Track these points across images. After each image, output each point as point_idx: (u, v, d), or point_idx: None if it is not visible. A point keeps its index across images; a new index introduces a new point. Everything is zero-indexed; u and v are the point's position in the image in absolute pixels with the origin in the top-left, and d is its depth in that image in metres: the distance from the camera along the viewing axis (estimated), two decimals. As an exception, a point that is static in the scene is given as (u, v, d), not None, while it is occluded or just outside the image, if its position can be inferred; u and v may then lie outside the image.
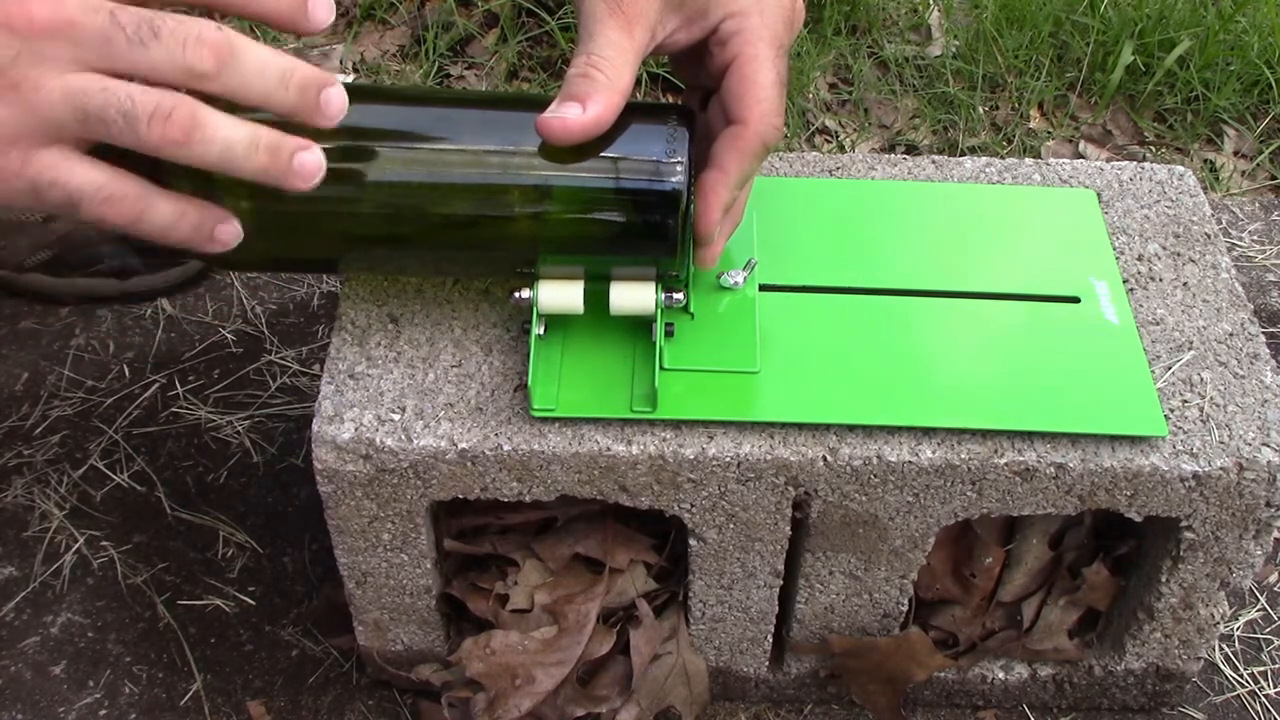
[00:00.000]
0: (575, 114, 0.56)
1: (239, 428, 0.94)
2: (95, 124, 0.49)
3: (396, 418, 0.63)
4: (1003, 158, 0.86)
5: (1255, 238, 1.14)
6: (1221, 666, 0.83)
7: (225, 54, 0.48)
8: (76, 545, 0.87)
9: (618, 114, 0.57)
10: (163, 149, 0.49)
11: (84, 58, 0.48)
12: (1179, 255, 0.73)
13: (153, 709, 0.79)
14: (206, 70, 0.48)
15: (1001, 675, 0.78)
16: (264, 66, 0.49)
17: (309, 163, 0.52)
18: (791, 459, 0.63)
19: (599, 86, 0.56)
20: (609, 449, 0.63)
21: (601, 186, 0.59)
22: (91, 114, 0.48)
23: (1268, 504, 0.65)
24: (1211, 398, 0.65)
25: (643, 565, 0.73)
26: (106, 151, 0.51)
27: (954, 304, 0.69)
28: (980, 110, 1.32)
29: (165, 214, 0.53)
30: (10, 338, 0.99)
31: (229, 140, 0.49)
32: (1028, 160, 0.78)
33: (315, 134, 0.58)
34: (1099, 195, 0.76)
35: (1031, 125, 1.33)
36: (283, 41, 1.35)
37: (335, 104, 0.51)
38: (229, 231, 0.55)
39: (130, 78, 0.49)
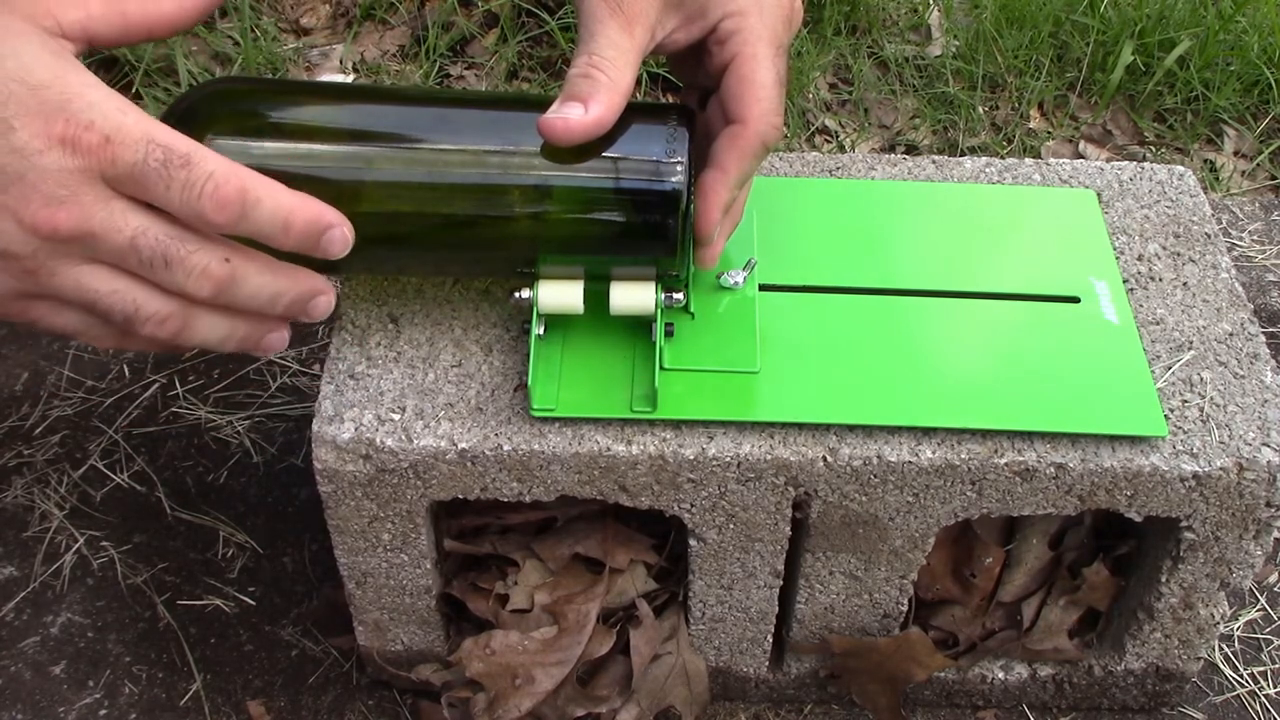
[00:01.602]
0: (577, 114, 0.56)
1: (239, 428, 0.94)
2: (99, 312, 0.53)
3: (396, 418, 0.63)
4: (1003, 158, 0.86)
5: (1255, 238, 1.14)
6: (1221, 666, 0.83)
7: (225, 284, 0.52)
8: (76, 545, 0.87)
9: (619, 114, 0.57)
10: (151, 343, 0.55)
11: (100, 258, 0.51)
12: (1179, 255, 0.73)
13: (153, 709, 0.79)
14: (204, 296, 0.53)
15: (1001, 675, 0.78)
16: (257, 293, 0.54)
17: (275, 343, 0.58)
18: (791, 459, 0.63)
19: (601, 86, 0.57)
20: (609, 449, 0.63)
21: (601, 186, 0.59)
22: (98, 307, 0.52)
23: (1268, 504, 0.65)
24: (1211, 398, 0.65)
25: (643, 565, 0.73)
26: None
27: (954, 304, 0.69)
28: (980, 110, 1.32)
29: (206, 332, 0.56)
30: (10, 338, 0.99)
31: (208, 338, 0.55)
32: (1028, 160, 0.78)
33: (315, 133, 0.58)
34: (1099, 195, 0.76)
35: (1031, 125, 1.33)
36: (286, 66, 1.35)
37: (319, 313, 0.56)
38: (278, 340, 0.58)
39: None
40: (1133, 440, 0.64)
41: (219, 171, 0.50)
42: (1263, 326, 0.95)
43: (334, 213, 0.53)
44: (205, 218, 0.50)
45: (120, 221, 0.50)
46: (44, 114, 0.48)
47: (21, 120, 0.47)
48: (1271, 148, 1.30)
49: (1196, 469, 0.63)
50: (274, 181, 0.52)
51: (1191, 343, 0.68)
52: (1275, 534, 0.67)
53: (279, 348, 0.58)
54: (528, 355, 0.63)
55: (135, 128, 0.49)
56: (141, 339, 0.55)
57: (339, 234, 0.53)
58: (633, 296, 0.62)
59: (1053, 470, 0.63)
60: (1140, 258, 0.73)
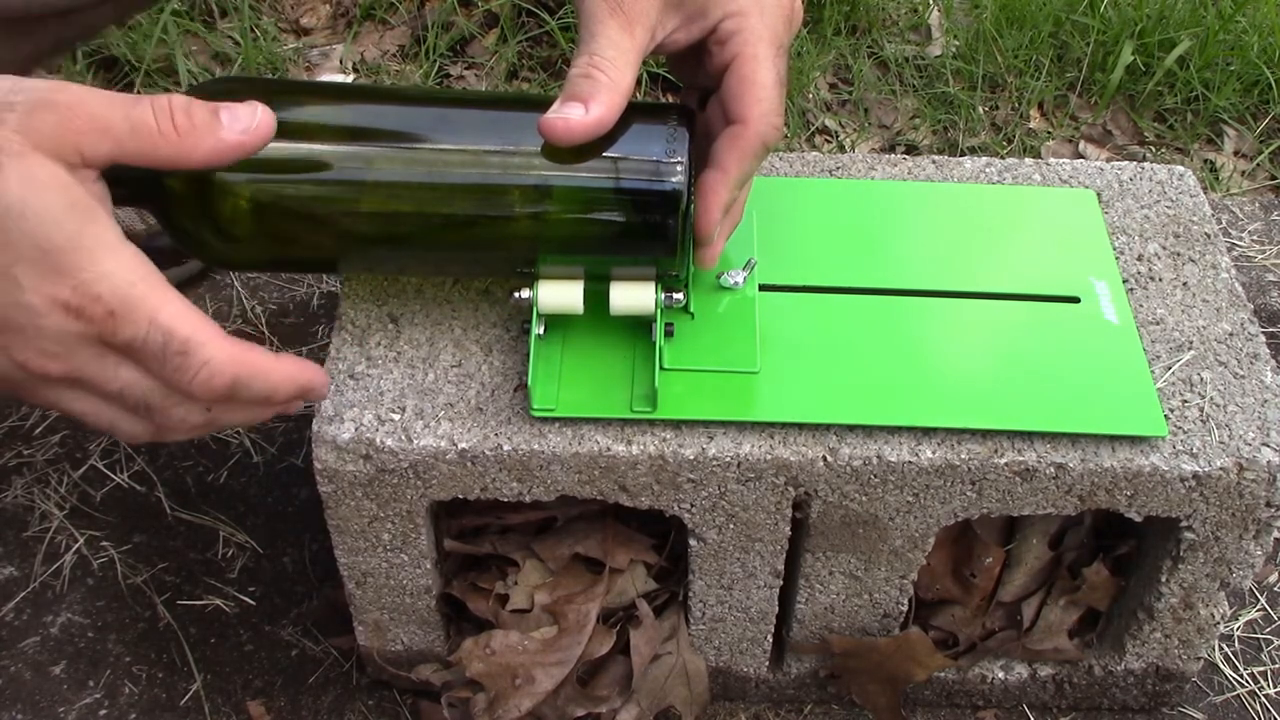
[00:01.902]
0: (578, 114, 0.56)
1: (239, 428, 0.94)
2: (79, 422, 0.54)
3: (396, 418, 0.63)
4: (1003, 158, 0.86)
5: (1255, 238, 1.14)
6: (1221, 666, 0.83)
7: (204, 428, 0.54)
8: (76, 545, 0.87)
9: (620, 114, 0.57)
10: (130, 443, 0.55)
11: (85, 390, 0.52)
12: (1179, 255, 0.73)
13: (153, 709, 0.79)
14: (181, 435, 0.55)
15: (1001, 675, 0.78)
16: (231, 423, 0.56)
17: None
18: (791, 459, 0.63)
19: (601, 87, 0.57)
20: (609, 449, 0.63)
21: (601, 186, 0.59)
22: (78, 418, 0.53)
23: (1268, 504, 0.65)
24: (1211, 398, 0.65)
25: (643, 565, 0.73)
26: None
27: (954, 304, 0.69)
28: (980, 110, 1.32)
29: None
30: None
31: (182, 437, 0.56)
32: (1028, 160, 0.78)
33: (315, 132, 0.58)
34: (1099, 195, 0.76)
35: (1031, 125, 1.33)
36: (286, 66, 1.35)
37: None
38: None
39: None
40: (1133, 440, 0.64)
41: (214, 361, 0.50)
42: (1263, 326, 0.95)
43: (319, 374, 0.55)
44: (193, 398, 0.52)
45: (110, 375, 0.51)
46: (54, 278, 0.48)
47: (30, 281, 0.48)
48: (1271, 148, 1.30)
49: (1196, 469, 0.63)
50: (265, 355, 0.52)
51: (1191, 343, 0.68)
52: (1275, 534, 0.67)
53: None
54: (528, 355, 0.63)
55: (142, 305, 0.49)
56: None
57: (320, 392, 0.56)
58: (633, 296, 0.62)
59: (1053, 470, 0.63)
60: (1140, 258, 0.73)
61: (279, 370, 0.53)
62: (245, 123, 0.52)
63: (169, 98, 0.51)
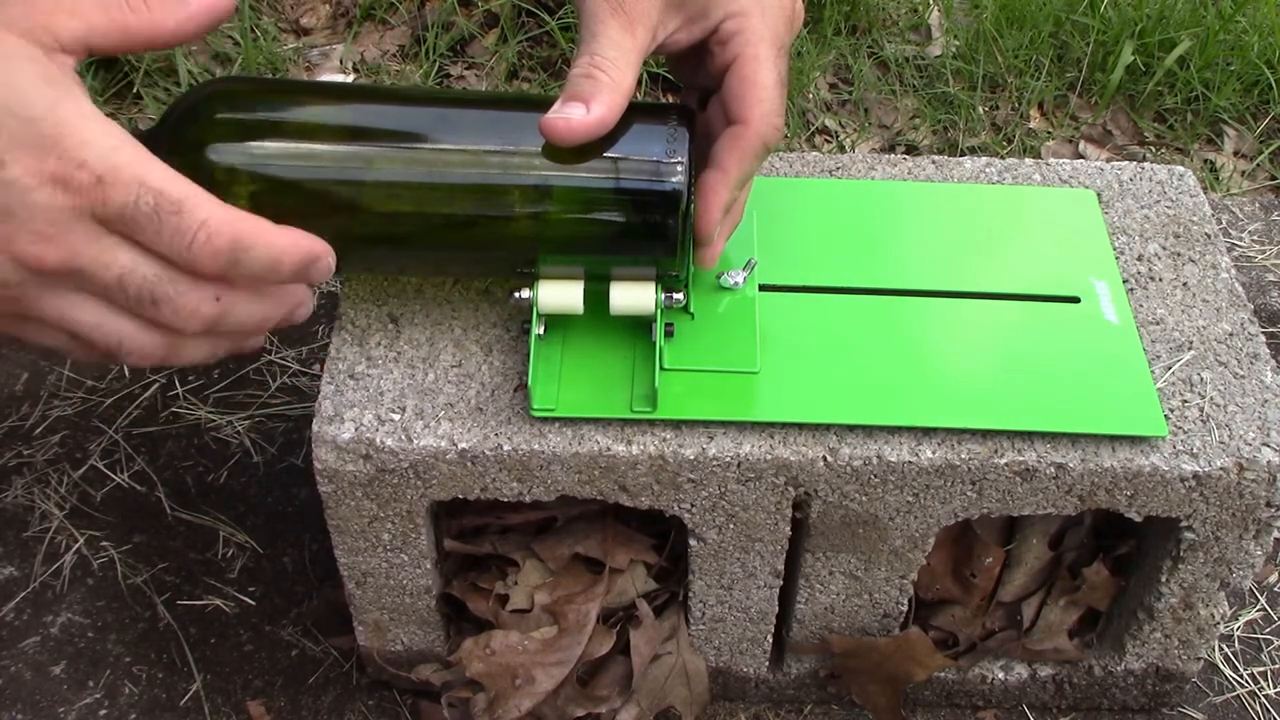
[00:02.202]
0: (580, 114, 0.56)
1: (239, 428, 0.94)
2: (83, 342, 0.53)
3: (396, 418, 0.63)
4: (1003, 158, 0.86)
5: (1255, 238, 1.14)
6: (1221, 666, 0.83)
7: (215, 321, 0.52)
8: (76, 545, 0.87)
9: (621, 114, 0.57)
10: (136, 365, 0.56)
11: (87, 290, 0.51)
12: (1179, 255, 0.73)
13: (153, 709, 0.79)
14: (191, 333, 0.53)
15: (1001, 675, 0.78)
16: (245, 321, 0.54)
17: (256, 344, 0.59)
18: (791, 459, 0.63)
19: (603, 87, 0.57)
20: (609, 449, 0.63)
21: (601, 186, 0.59)
22: (81, 338, 0.52)
23: (1268, 504, 0.65)
24: (1211, 398, 0.65)
25: (643, 565, 0.73)
26: None
27: (954, 304, 0.69)
28: (980, 110, 1.32)
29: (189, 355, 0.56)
30: (10, 338, 0.99)
31: (192, 359, 0.55)
32: (1028, 160, 0.78)
33: (315, 132, 0.58)
34: (1099, 195, 0.76)
35: (1031, 125, 1.33)
36: (286, 66, 1.36)
37: (300, 319, 0.58)
38: (258, 343, 0.59)
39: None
40: (1133, 440, 0.64)
41: (212, 220, 0.49)
42: (1263, 326, 0.95)
43: (320, 244, 0.53)
44: (196, 265, 0.50)
45: (109, 258, 0.49)
46: (37, 149, 0.47)
47: (13, 155, 0.47)
48: (1271, 148, 1.30)
49: (1196, 469, 0.63)
50: (263, 221, 0.51)
51: (1191, 343, 0.68)
52: (1275, 534, 0.67)
53: (258, 347, 0.59)
54: (528, 355, 0.63)
55: (128, 169, 0.48)
56: (126, 363, 0.55)
57: (325, 264, 0.54)
58: (633, 296, 0.62)
59: (1053, 470, 0.63)
60: (1140, 258, 0.73)
61: (283, 235, 0.52)
62: None
63: None
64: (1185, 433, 0.64)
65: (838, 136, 1.30)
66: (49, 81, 0.48)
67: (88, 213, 0.48)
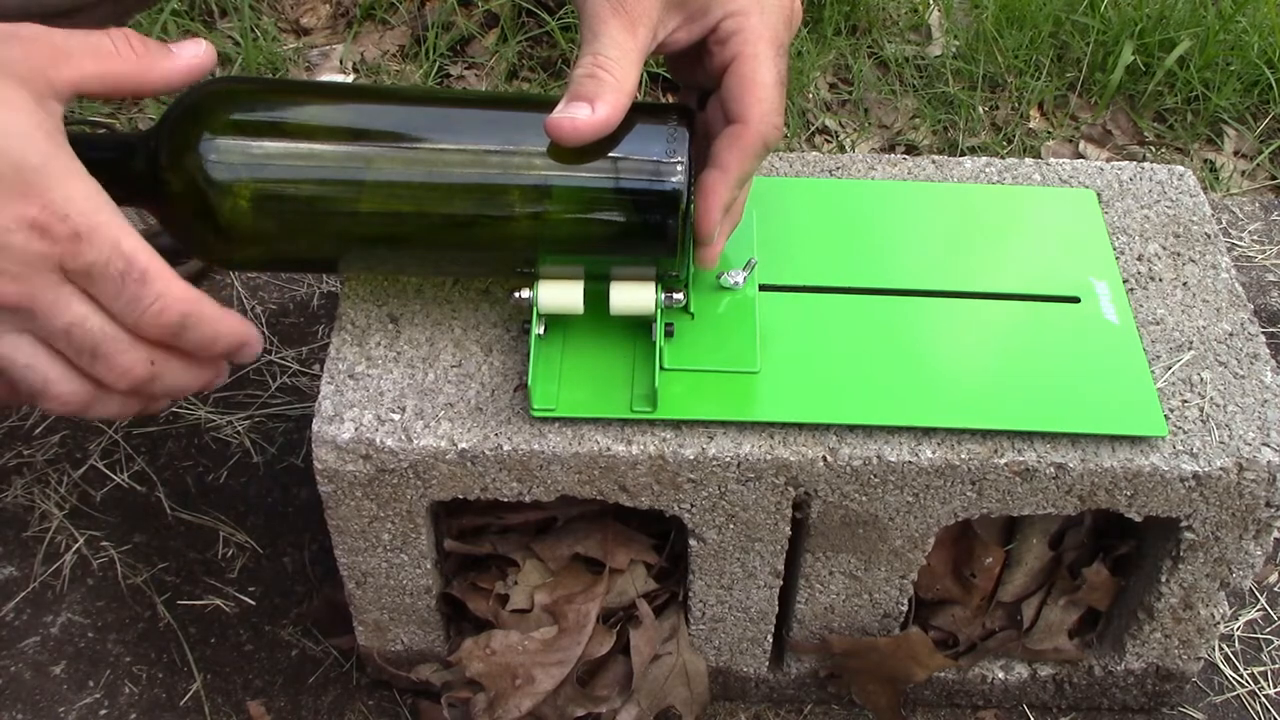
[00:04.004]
0: (584, 114, 0.56)
1: (239, 428, 0.94)
2: (5, 379, 0.54)
3: (396, 418, 0.63)
4: (1003, 158, 0.86)
5: (1255, 238, 1.14)
6: (1221, 666, 0.83)
7: (144, 383, 0.55)
8: (76, 545, 0.87)
9: (624, 114, 0.57)
10: (49, 412, 0.57)
11: (33, 331, 0.52)
12: (1179, 255, 0.73)
13: (153, 709, 0.79)
14: (118, 391, 0.55)
15: (1001, 675, 0.78)
16: (170, 387, 0.56)
17: (161, 409, 0.60)
18: (791, 459, 0.63)
19: (606, 86, 0.57)
20: (609, 449, 0.63)
21: (601, 186, 0.59)
22: (10, 373, 0.53)
23: (1268, 504, 0.65)
24: (1211, 398, 0.65)
25: (643, 565, 0.73)
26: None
27: (954, 304, 0.69)
28: (980, 110, 1.32)
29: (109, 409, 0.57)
30: None
31: (100, 415, 0.57)
32: (1028, 160, 0.78)
33: (315, 132, 0.58)
34: (1099, 195, 0.76)
35: (1031, 125, 1.33)
36: (286, 66, 1.35)
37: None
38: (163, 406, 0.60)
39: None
40: (1133, 440, 0.64)
41: (167, 295, 0.52)
42: (1263, 326, 0.95)
43: (254, 332, 0.57)
44: (142, 330, 0.53)
45: (63, 307, 0.51)
46: (23, 197, 0.49)
47: (2, 198, 0.49)
48: (1271, 148, 1.30)
49: (1196, 469, 0.63)
50: (212, 303, 0.54)
51: (1191, 343, 0.68)
52: (1275, 534, 0.67)
53: (162, 411, 0.60)
54: (528, 355, 0.63)
55: (106, 231, 0.50)
56: (40, 405, 0.56)
57: (252, 349, 0.57)
58: (633, 296, 0.62)
59: (1053, 470, 0.63)
60: (1140, 258, 0.73)
61: (225, 320, 0.55)
62: (193, 50, 0.55)
63: (123, 29, 0.53)
64: (1185, 433, 0.64)
65: (838, 136, 1.30)
66: (44, 131, 0.50)
67: (57, 262, 0.50)
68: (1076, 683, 0.78)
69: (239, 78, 1.15)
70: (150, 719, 0.79)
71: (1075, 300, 0.69)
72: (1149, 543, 0.71)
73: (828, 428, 0.63)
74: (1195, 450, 0.63)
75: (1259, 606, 0.87)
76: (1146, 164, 0.79)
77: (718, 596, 0.71)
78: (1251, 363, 0.67)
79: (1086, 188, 0.77)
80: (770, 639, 0.75)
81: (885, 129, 1.32)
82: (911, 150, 1.29)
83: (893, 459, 0.63)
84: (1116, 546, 0.73)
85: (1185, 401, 0.65)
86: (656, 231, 0.59)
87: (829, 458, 0.63)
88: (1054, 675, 0.78)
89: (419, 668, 0.75)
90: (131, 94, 0.54)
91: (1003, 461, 0.63)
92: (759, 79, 0.60)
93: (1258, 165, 1.29)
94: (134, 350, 0.53)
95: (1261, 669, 0.83)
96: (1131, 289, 0.71)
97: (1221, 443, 0.63)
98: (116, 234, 0.51)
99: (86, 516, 0.89)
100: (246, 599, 0.85)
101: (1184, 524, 0.66)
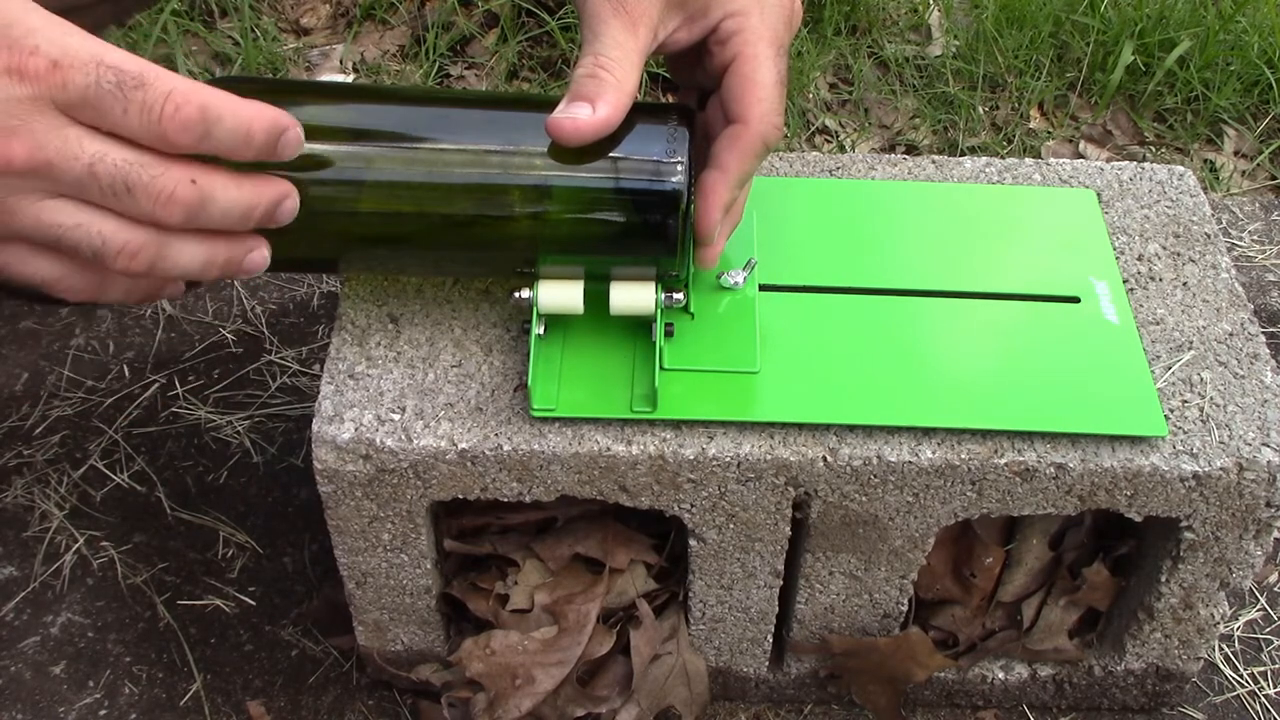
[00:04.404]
0: (586, 114, 0.56)
1: (239, 428, 0.94)
2: (66, 249, 0.51)
3: (396, 418, 0.63)
4: (1003, 158, 0.86)
5: (1255, 238, 1.14)
6: (1221, 666, 0.83)
7: (196, 207, 0.50)
8: (76, 545, 0.87)
9: (625, 113, 0.57)
10: (131, 287, 0.54)
11: (60, 190, 0.49)
12: (1179, 255, 0.73)
13: (153, 709, 0.79)
14: (175, 223, 0.50)
15: (1001, 675, 0.78)
16: (229, 209, 0.52)
17: (257, 262, 0.56)
18: (791, 459, 0.63)
19: (608, 86, 0.57)
20: (609, 449, 0.63)
21: (601, 186, 0.59)
22: (64, 242, 0.50)
23: (1268, 504, 0.65)
24: (1211, 398, 0.65)
25: (643, 565, 0.73)
26: None
27: (954, 304, 0.69)
28: (980, 110, 1.32)
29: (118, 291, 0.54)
30: (10, 338, 0.99)
31: (188, 267, 0.53)
32: (1028, 160, 0.78)
33: (315, 132, 0.58)
34: (1099, 195, 0.76)
35: (1031, 125, 1.33)
36: (286, 66, 1.35)
37: (286, 217, 0.55)
38: (259, 259, 0.56)
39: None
40: (1133, 440, 0.64)
41: (178, 90, 0.48)
42: (1263, 326, 0.95)
43: (287, 115, 0.51)
44: (167, 139, 0.48)
45: (76, 149, 0.48)
46: None
47: None
48: (1271, 148, 1.30)
49: (1196, 469, 0.63)
50: (227, 93, 0.50)
51: (1191, 343, 0.68)
52: (1275, 534, 0.67)
53: (261, 267, 0.56)
54: (528, 355, 0.63)
55: (83, 50, 0.47)
56: (118, 281, 0.53)
57: (294, 135, 0.52)
58: (633, 296, 0.62)
59: (1053, 470, 0.63)
60: (1140, 258, 0.73)
61: (246, 104, 0.50)
62: None
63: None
64: (1185, 433, 0.64)
65: (838, 136, 1.30)
66: None
67: (48, 101, 0.47)
68: (1076, 683, 0.78)
69: (239, 78, 1.15)
70: (150, 719, 0.79)
71: (1075, 300, 0.69)
72: (1149, 543, 0.71)
73: (828, 428, 0.63)
74: (1195, 450, 0.63)
75: (1259, 606, 0.87)
76: (1146, 164, 0.79)
77: (718, 596, 0.71)
78: (1251, 363, 0.67)
79: (1086, 188, 0.77)
80: (770, 639, 0.75)
81: (885, 129, 1.32)
82: (911, 150, 1.29)
83: (893, 459, 0.63)
84: (1116, 546, 0.73)
85: (1185, 401, 0.65)
86: (656, 231, 0.59)
87: (829, 458, 0.63)
88: (1054, 675, 0.78)
89: (419, 668, 0.75)
90: None
91: (1003, 461, 0.63)
92: (759, 79, 0.60)
93: (1258, 165, 1.29)
94: (170, 170, 0.49)
95: (1261, 669, 0.83)
96: (1131, 289, 0.71)
97: (1221, 443, 0.63)
98: (94, 50, 0.47)
99: (86, 516, 0.89)
100: (246, 599, 0.85)
101: (1184, 524, 0.66)
